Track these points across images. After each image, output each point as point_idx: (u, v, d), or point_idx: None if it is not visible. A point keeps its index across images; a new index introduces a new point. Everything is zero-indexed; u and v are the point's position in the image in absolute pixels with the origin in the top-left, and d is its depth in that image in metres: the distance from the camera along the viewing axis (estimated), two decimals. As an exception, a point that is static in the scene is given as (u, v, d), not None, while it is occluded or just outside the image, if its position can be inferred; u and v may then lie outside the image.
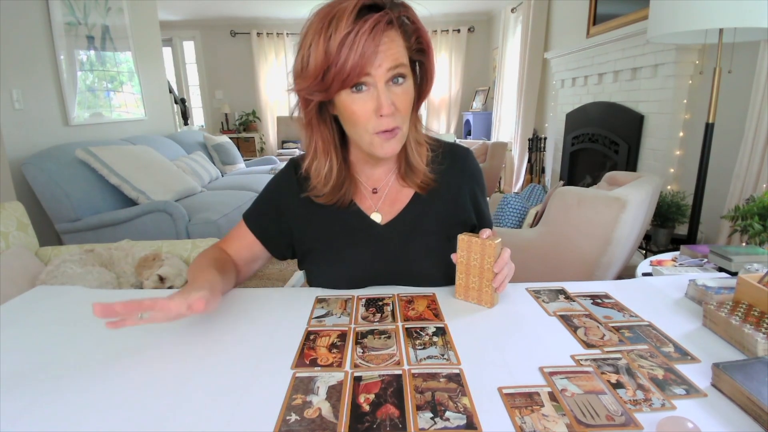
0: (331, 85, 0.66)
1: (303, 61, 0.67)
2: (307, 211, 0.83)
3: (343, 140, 0.81)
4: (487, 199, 0.93)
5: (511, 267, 0.74)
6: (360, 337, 0.64)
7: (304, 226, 0.84)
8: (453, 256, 0.75)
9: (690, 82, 2.41)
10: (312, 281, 0.86)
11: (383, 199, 0.84)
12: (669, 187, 2.50)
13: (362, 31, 0.62)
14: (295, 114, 0.76)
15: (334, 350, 0.61)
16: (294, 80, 0.70)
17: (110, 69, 3.30)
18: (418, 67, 0.76)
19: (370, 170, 0.84)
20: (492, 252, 0.71)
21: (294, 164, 0.85)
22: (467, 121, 6.10)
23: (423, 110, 0.84)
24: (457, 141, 5.38)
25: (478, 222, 0.89)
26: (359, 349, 0.61)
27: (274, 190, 0.87)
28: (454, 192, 0.86)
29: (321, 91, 0.68)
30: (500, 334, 0.65)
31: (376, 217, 0.84)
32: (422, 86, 0.77)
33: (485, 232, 0.72)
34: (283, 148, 6.14)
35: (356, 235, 0.83)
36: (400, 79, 0.69)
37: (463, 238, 0.73)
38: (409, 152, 0.80)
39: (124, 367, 0.59)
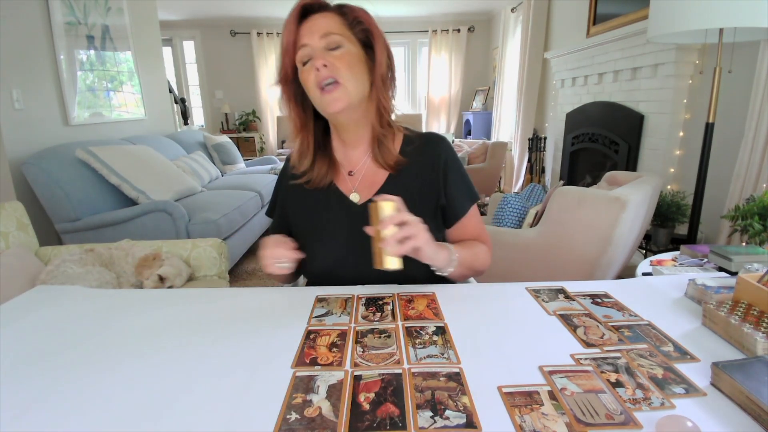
0: (286, 64, 0.82)
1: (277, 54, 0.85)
2: (296, 195, 0.93)
3: (327, 131, 0.93)
4: (483, 198, 0.94)
5: (407, 228, 0.71)
6: (360, 336, 0.64)
7: (294, 209, 0.94)
8: (367, 229, 0.74)
9: (690, 82, 2.41)
10: (303, 263, 0.92)
11: (360, 180, 0.91)
12: (669, 187, 2.50)
13: (292, 15, 0.80)
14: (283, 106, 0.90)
15: (334, 349, 0.61)
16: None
17: (110, 69, 3.29)
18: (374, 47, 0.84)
19: (350, 152, 0.92)
20: (376, 212, 0.70)
21: (289, 157, 0.96)
22: (467, 121, 6.09)
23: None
24: (456, 141, 5.38)
25: (447, 205, 0.91)
26: (359, 348, 0.61)
27: (278, 181, 1.00)
28: (426, 175, 0.90)
29: (282, 71, 0.83)
30: (500, 333, 0.66)
31: (354, 198, 0.90)
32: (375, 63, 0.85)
33: (381, 197, 0.72)
34: (283, 148, 6.14)
35: (336, 214, 0.90)
36: (337, 47, 0.80)
37: (370, 206, 0.72)
38: (375, 129, 0.88)
39: (124, 366, 0.59)
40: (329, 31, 0.79)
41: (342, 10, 0.83)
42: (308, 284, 0.96)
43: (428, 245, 0.75)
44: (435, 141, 0.93)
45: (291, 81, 0.84)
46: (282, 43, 0.81)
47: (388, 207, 0.71)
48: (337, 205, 0.90)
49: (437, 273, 0.84)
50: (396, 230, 0.70)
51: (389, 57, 0.86)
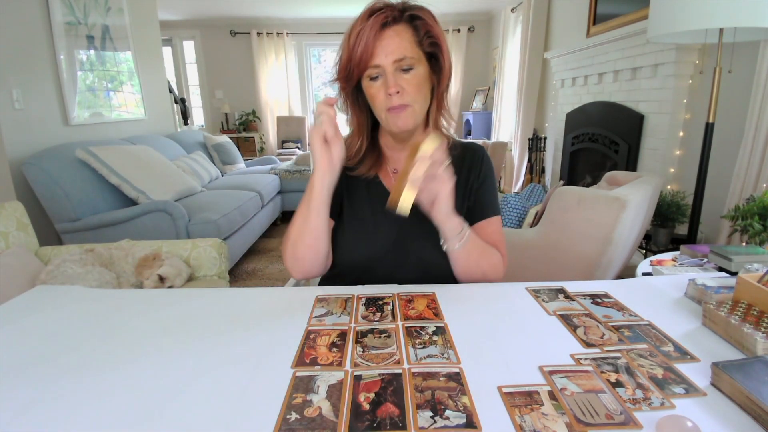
0: (353, 73, 0.81)
1: (339, 55, 0.84)
2: (341, 181, 0.92)
3: (377, 126, 0.94)
4: (499, 194, 0.97)
5: (438, 167, 0.72)
6: (360, 336, 0.64)
7: (343, 194, 0.95)
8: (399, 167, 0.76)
9: (690, 82, 2.41)
10: (335, 249, 0.93)
11: None
12: (669, 187, 2.50)
13: (367, 26, 0.79)
14: (340, 102, 0.90)
15: (334, 349, 0.61)
16: (335, 72, 0.87)
17: (110, 69, 3.29)
18: (438, 60, 0.85)
19: (398, 154, 0.95)
20: (416, 150, 0.68)
21: None
22: (467, 121, 6.09)
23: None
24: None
25: (475, 203, 0.94)
26: (359, 348, 0.61)
27: None
28: (464, 181, 0.94)
29: (347, 79, 0.83)
30: (500, 333, 0.66)
31: None
32: (439, 77, 0.87)
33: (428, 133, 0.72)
34: (283, 148, 6.13)
35: (377, 207, 0.92)
36: (408, 69, 0.81)
37: (410, 145, 0.73)
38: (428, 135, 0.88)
39: (124, 366, 0.59)
40: (404, 56, 0.80)
41: (414, 23, 0.83)
42: (333, 281, 0.92)
43: (448, 200, 0.76)
44: (478, 150, 0.98)
45: (353, 83, 0.85)
46: (353, 51, 0.79)
47: (431, 145, 0.68)
48: (379, 199, 0.91)
49: (443, 246, 0.83)
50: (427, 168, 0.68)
51: (450, 67, 0.87)
